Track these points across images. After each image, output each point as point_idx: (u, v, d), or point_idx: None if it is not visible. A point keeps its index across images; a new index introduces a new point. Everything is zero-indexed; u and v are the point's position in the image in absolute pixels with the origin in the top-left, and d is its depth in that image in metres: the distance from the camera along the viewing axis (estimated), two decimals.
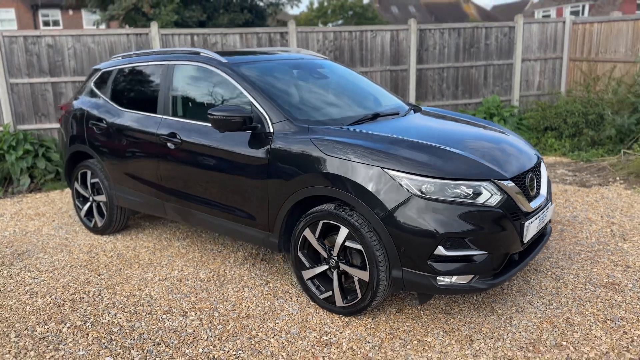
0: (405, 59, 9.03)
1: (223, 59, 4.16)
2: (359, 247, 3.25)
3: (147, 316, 3.57)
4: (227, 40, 8.23)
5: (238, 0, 23.34)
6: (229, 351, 3.12)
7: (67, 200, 6.49)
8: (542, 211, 3.50)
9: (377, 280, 3.21)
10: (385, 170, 3.13)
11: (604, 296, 3.65)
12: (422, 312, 3.50)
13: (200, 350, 3.14)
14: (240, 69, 4.07)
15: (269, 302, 3.70)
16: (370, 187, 3.15)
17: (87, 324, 3.49)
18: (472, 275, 3.10)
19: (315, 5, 44.79)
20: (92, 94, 5.11)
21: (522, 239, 3.25)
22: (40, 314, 3.64)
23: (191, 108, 4.29)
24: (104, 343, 3.25)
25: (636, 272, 4.00)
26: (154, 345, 3.21)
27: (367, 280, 3.26)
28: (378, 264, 3.19)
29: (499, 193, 3.14)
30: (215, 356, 3.08)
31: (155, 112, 4.45)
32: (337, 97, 4.36)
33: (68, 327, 3.45)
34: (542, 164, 3.88)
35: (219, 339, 3.25)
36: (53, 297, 3.90)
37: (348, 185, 3.22)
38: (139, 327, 3.42)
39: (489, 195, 3.11)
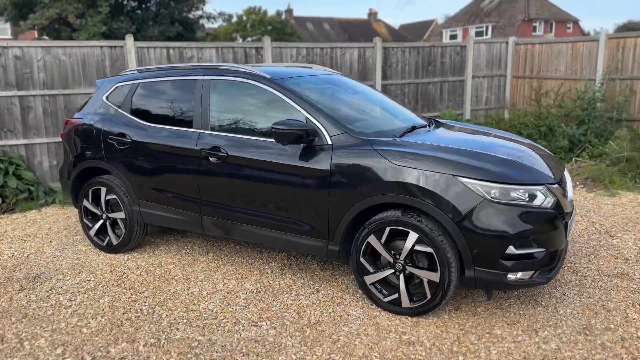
0: (372, 75, 9.46)
1: (267, 75, 4.27)
2: (429, 250, 3.50)
3: (219, 329, 3.58)
4: (203, 54, 8.20)
5: (166, 12, 22.94)
6: (321, 355, 3.23)
7: (54, 220, 6.18)
8: (573, 211, 3.95)
9: (449, 280, 3.48)
10: (457, 177, 3.42)
11: (621, 284, 4.16)
12: (477, 309, 3.81)
13: (294, 357, 3.23)
14: (286, 84, 4.21)
15: (330, 308, 3.84)
16: (443, 194, 3.42)
17: (162, 341, 3.44)
18: (534, 271, 3.46)
19: (235, 19, 44.79)
20: (106, 108, 4.97)
21: (566, 236, 3.67)
22: (103, 335, 3.53)
23: (236, 122, 4.33)
24: (191, 358, 3.23)
25: (636, 263, 4.58)
26: (244, 355, 3.25)
27: (438, 281, 3.51)
28: (449, 265, 3.45)
29: (551, 196, 3.53)
30: (297, 357, 3.19)
31: (190, 127, 4.44)
32: (371, 111, 4.60)
33: (144, 346, 3.38)
34: (565, 169, 4.37)
35: (305, 345, 3.35)
36: (105, 317, 3.78)
37: (420, 192, 3.47)
38: (217, 340, 3.43)
39: (544, 198, 3.48)
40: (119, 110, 4.89)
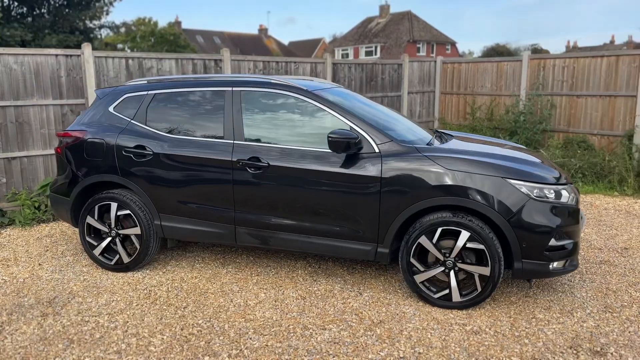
0: None
1: (303, 86, 4.40)
2: (480, 246, 3.85)
3: (291, 335, 3.62)
4: (162, 65, 7.98)
5: (66, 21, 21.66)
6: (406, 349, 3.43)
7: (25, 242, 5.69)
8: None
9: (498, 273, 3.86)
10: (506, 179, 3.82)
11: (610, 270, 4.83)
12: (511, 299, 4.22)
13: (382, 353, 3.38)
14: (323, 95, 4.37)
15: (383, 308, 4.04)
16: (496, 195, 3.80)
17: (244, 351, 3.42)
18: (565, 260, 3.95)
19: (122, 30, 43.10)
20: (116, 120, 4.75)
21: (582, 228, 4.23)
22: (177, 352, 3.42)
23: (274, 133, 4.39)
24: None
25: (610, 252, 5.32)
26: (334, 356, 3.35)
27: (488, 274, 3.87)
28: (500, 259, 3.83)
29: (573, 194, 4.06)
30: (402, 354, 3.36)
31: (220, 138, 4.42)
32: (392, 121, 4.86)
33: (229, 357, 3.33)
34: None
35: (385, 342, 3.52)
36: (165, 334, 3.64)
37: (474, 194, 3.82)
38: (297, 345, 3.48)
39: (568, 196, 4.00)
40: (133, 121, 4.70)
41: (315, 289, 4.41)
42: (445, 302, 4.01)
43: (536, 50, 55.64)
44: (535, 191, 3.83)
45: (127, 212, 4.64)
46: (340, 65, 10.05)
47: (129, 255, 4.73)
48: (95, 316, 3.93)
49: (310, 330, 3.68)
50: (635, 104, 8.59)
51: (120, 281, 4.59)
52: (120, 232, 4.72)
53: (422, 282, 4.06)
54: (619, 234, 5.89)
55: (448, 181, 3.87)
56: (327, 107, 4.26)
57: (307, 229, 4.24)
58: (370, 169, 4.02)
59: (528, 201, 3.79)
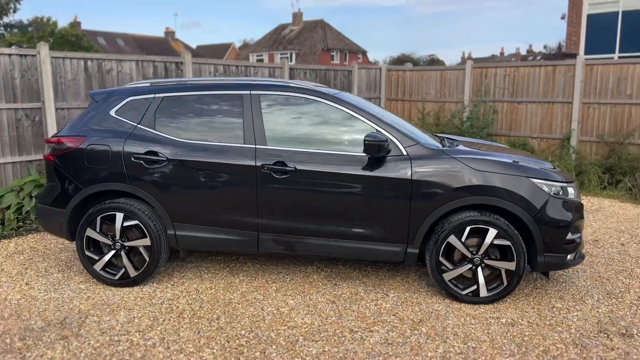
0: None
1: (324, 90, 4.40)
2: (506, 243, 4.07)
3: (344, 339, 3.60)
4: (122, 68, 7.58)
5: None
6: (459, 345, 3.54)
7: None
8: None
9: (523, 267, 4.10)
10: (530, 179, 4.08)
11: (595, 261, 5.29)
12: (525, 291, 4.48)
13: (440, 350, 3.47)
14: (344, 98, 4.40)
15: (416, 307, 4.14)
16: (522, 193, 4.04)
17: (307, 358, 3.35)
18: (575, 253, 4.28)
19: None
20: (120, 125, 4.45)
21: None
22: None
23: (298, 137, 4.33)
24: None
25: (584, 245, 5.81)
26: (396, 357, 3.38)
27: (514, 269, 4.10)
28: (524, 254, 4.08)
29: (577, 191, 4.42)
30: (459, 350, 3.47)
31: (240, 142, 4.30)
32: (404, 124, 4.95)
33: None
34: None
35: (436, 340, 3.61)
36: (213, 348, 3.48)
37: (502, 193, 4.03)
38: (355, 349, 3.48)
39: (574, 192, 4.34)
40: (140, 126, 4.43)
41: (340, 292, 4.40)
42: (473, 298, 4.18)
43: (433, 61, 58.89)
44: (553, 189, 4.12)
45: (135, 222, 4.36)
46: (297, 70, 10.08)
47: (136, 268, 4.44)
48: (125, 334, 3.66)
49: (359, 334, 3.69)
50: (571, 109, 9.43)
51: (130, 297, 4.30)
52: (127, 244, 4.42)
53: (450, 280, 4.20)
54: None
55: (478, 181, 4.05)
56: (353, 110, 4.30)
57: (335, 232, 4.24)
58: (400, 172, 4.10)
59: (549, 199, 4.07)
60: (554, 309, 4.14)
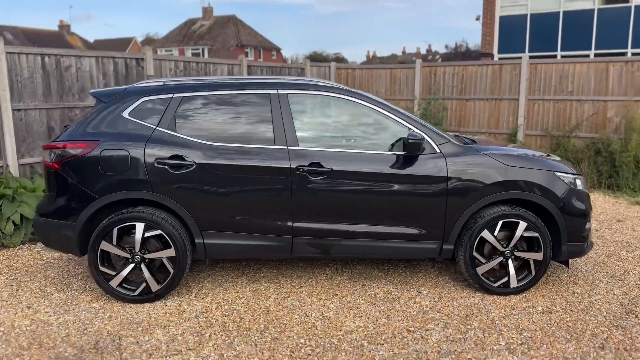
0: None
1: (350, 89, 4.34)
2: (535, 235, 4.27)
3: (407, 340, 3.59)
4: (82, 64, 6.99)
5: None
6: (516, 335, 3.66)
7: None
8: None
9: (549, 257, 4.32)
10: (554, 172, 4.30)
11: None
12: (542, 280, 4.71)
13: (504, 342, 3.57)
14: (373, 98, 4.37)
15: (454, 302, 4.22)
16: (549, 186, 4.25)
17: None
18: (587, 241, 4.58)
19: None
20: (136, 127, 4.10)
21: None
22: None
23: (331, 137, 4.24)
24: None
25: None
26: (466, 353, 3.43)
27: (541, 259, 4.31)
28: (550, 244, 4.30)
29: (584, 181, 4.72)
30: (520, 340, 3.58)
31: (271, 144, 4.13)
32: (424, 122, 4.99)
33: None
34: None
35: (492, 333, 3.70)
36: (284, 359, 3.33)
37: (532, 187, 4.21)
38: (425, 349, 3.48)
39: (582, 184, 4.64)
40: (159, 128, 4.11)
41: (373, 293, 4.38)
42: (504, 289, 4.33)
43: (339, 60, 60.20)
44: (571, 182, 4.37)
45: (157, 232, 4.04)
46: (254, 67, 9.85)
47: (158, 282, 4.13)
48: (177, 354, 3.39)
49: (418, 333, 3.69)
50: (517, 106, 10.04)
51: (157, 313, 3.99)
52: (147, 256, 4.09)
53: (483, 274, 4.32)
54: None
55: (510, 177, 4.19)
56: (384, 109, 4.28)
57: (372, 233, 4.20)
58: (436, 169, 4.15)
59: (570, 191, 4.32)
60: (575, 294, 4.40)
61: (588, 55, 20.06)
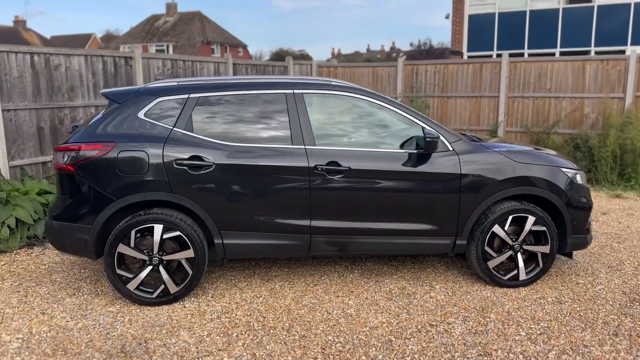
0: None
1: (365, 88, 4.41)
2: (542, 228, 4.43)
3: (432, 334, 3.68)
4: (71, 63, 6.83)
5: None
6: (535, 326, 3.80)
7: None
8: None
9: (555, 250, 4.50)
10: (560, 168, 4.47)
11: None
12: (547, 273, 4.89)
13: (524, 333, 3.70)
14: (386, 97, 4.45)
15: (468, 296, 4.34)
16: (556, 182, 4.41)
17: (415, 355, 3.38)
18: (589, 233, 4.78)
19: None
20: (153, 128, 4.05)
21: None
22: None
23: (347, 136, 4.28)
24: (458, 358, 3.36)
25: None
26: (492, 344, 3.55)
27: (548, 252, 4.48)
28: (556, 238, 4.47)
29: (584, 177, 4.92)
30: (540, 330, 3.73)
31: (288, 143, 4.16)
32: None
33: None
34: None
35: (512, 325, 3.83)
36: (319, 358, 3.37)
37: (541, 183, 4.37)
38: (449, 342, 3.57)
39: (584, 178, 4.83)
40: (176, 129, 4.07)
41: (388, 289, 4.46)
42: (514, 282, 4.48)
43: (303, 57, 60.29)
44: (574, 177, 4.55)
45: (176, 234, 4.02)
46: (239, 65, 9.79)
47: (176, 283, 4.10)
48: (209, 355, 3.39)
49: (441, 327, 3.79)
50: (497, 103, 10.31)
51: (178, 314, 3.96)
52: (166, 258, 4.06)
53: (493, 267, 4.46)
54: None
55: (521, 173, 4.34)
56: (397, 108, 4.36)
57: (388, 230, 4.28)
58: (450, 167, 4.26)
59: (574, 185, 4.50)
60: (579, 284, 4.59)
61: (554, 54, 20.74)
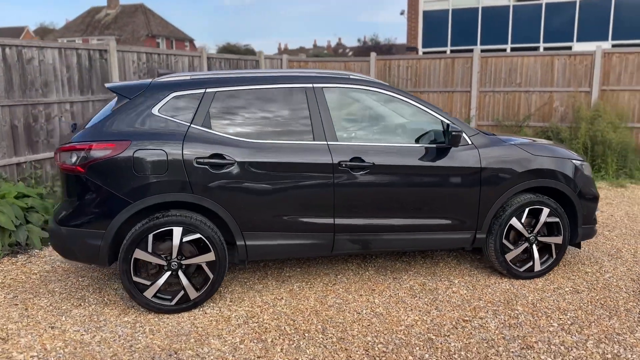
0: None
1: (383, 82, 4.33)
2: (555, 220, 4.51)
3: (469, 330, 3.66)
4: (44, 56, 6.38)
5: None
6: (563, 317, 3.85)
7: None
8: None
9: (567, 240, 4.59)
10: (571, 160, 4.56)
11: None
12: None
13: (556, 324, 3.74)
14: (405, 91, 4.38)
15: (489, 289, 4.35)
16: (569, 173, 4.50)
17: (462, 352, 3.34)
18: (596, 223, 4.91)
19: None
20: (168, 125, 3.81)
21: None
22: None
23: (368, 131, 4.19)
24: (501, 351, 3.35)
25: None
26: (529, 337, 3.56)
27: (561, 242, 4.56)
28: (568, 228, 4.56)
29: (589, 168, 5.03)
30: (570, 320, 3.78)
31: (310, 139, 4.02)
32: None
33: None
34: None
35: (541, 316, 3.87)
36: (363, 359, 3.27)
37: (556, 175, 4.43)
38: (488, 337, 3.56)
39: (588, 169, 4.93)
40: (193, 126, 3.85)
41: (408, 285, 4.41)
42: (529, 273, 4.53)
43: (249, 52, 59.63)
44: (581, 167, 4.66)
45: (196, 236, 3.80)
46: (213, 59, 9.49)
47: (196, 289, 3.89)
48: None
49: (475, 322, 3.77)
50: (469, 97, 10.50)
51: (201, 321, 3.76)
52: (185, 262, 3.83)
53: (510, 260, 4.49)
54: None
55: (537, 165, 4.39)
56: (421, 104, 4.30)
57: (411, 225, 4.23)
58: (470, 161, 4.25)
59: (583, 177, 4.60)
60: (588, 273, 4.71)
61: (505, 50, 21.42)
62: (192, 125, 3.84)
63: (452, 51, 22.39)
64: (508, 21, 21.64)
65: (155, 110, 3.82)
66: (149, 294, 3.78)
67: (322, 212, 4.03)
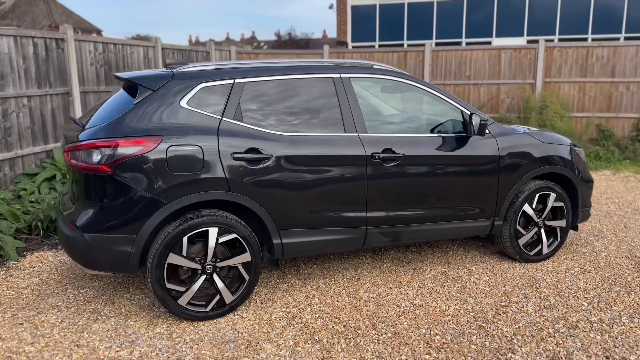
0: None
1: (406, 73, 4.30)
2: (560, 204, 4.73)
3: (510, 317, 3.73)
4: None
5: None
6: (586, 295, 4.05)
7: None
8: None
9: (570, 223, 4.84)
10: (572, 147, 4.80)
11: None
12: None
13: (586, 303, 3.92)
14: (426, 81, 4.39)
15: (508, 274, 4.47)
16: (572, 159, 4.73)
17: (520, 337, 3.41)
18: (591, 206, 5.20)
19: None
20: (200, 118, 3.53)
21: None
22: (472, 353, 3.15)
23: (395, 122, 4.13)
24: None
25: None
26: (568, 319, 3.71)
27: (564, 226, 4.80)
28: (570, 212, 4.81)
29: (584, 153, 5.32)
30: (596, 299, 3.98)
31: (340, 131, 3.91)
32: None
33: (523, 346, 3.29)
34: None
35: (569, 297, 4.04)
36: (432, 353, 3.24)
37: (562, 161, 4.64)
38: (531, 320, 3.67)
39: (583, 155, 5.23)
40: (225, 119, 3.60)
41: (430, 275, 4.44)
42: (537, 257, 4.72)
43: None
44: (579, 153, 4.93)
45: (232, 236, 3.58)
46: (166, 50, 9.00)
47: (231, 292, 3.66)
48: None
49: (512, 307, 3.86)
50: None
51: (241, 326, 3.55)
52: (220, 264, 3.60)
53: (522, 245, 4.65)
54: None
55: (547, 152, 4.57)
56: (439, 93, 4.31)
57: (439, 216, 4.25)
58: (490, 149, 4.34)
59: (581, 162, 4.87)
60: (586, 254, 4.99)
61: (430, 44, 22.20)
62: (223, 119, 3.58)
63: (380, 46, 22.85)
64: (432, 17, 22.43)
65: (184, 103, 3.53)
66: (183, 301, 3.50)
67: (355, 206, 3.93)
